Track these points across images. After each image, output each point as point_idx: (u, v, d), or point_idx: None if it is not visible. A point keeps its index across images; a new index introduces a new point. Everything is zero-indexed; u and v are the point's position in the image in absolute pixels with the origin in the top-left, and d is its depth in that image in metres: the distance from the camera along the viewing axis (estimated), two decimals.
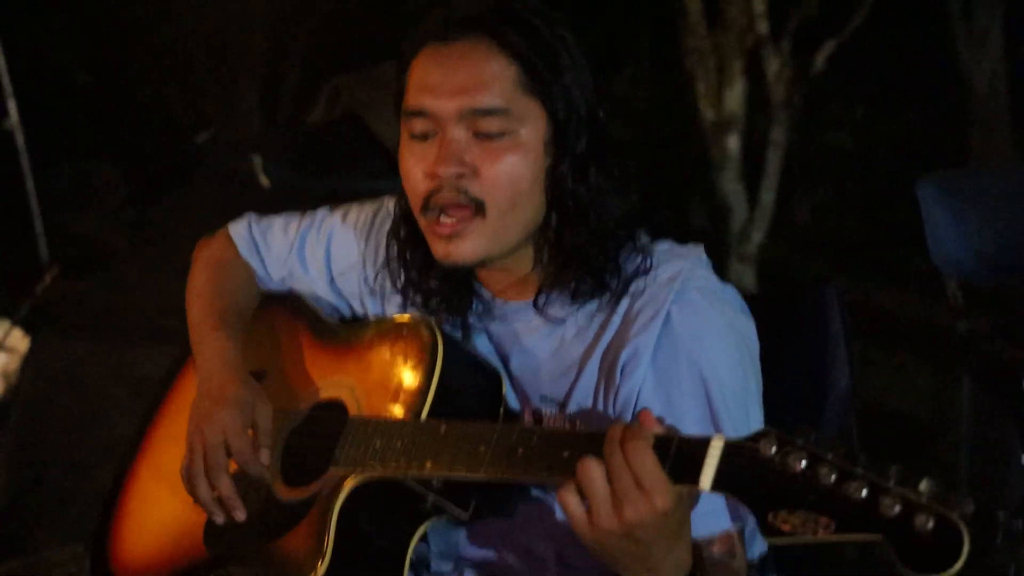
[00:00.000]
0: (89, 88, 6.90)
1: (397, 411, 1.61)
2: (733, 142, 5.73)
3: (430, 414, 1.59)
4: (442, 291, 1.70)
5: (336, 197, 2.03)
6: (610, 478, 1.29)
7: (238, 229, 2.01)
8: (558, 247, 1.61)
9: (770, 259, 5.90)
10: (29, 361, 3.69)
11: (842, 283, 1.88)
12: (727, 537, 1.50)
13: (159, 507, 1.81)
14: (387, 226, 1.79)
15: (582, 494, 1.32)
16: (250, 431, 1.66)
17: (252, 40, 6.85)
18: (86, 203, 5.47)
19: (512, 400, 1.68)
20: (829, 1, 5.74)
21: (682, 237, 1.75)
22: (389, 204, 1.83)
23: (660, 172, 6.57)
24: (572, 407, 1.62)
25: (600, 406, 1.59)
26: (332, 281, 1.91)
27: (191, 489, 1.68)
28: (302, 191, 4.36)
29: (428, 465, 1.52)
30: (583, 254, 1.61)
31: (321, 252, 1.90)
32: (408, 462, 1.53)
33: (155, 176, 5.58)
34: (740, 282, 6.00)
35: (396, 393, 1.63)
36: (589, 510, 1.31)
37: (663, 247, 1.67)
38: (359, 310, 1.88)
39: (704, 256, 1.68)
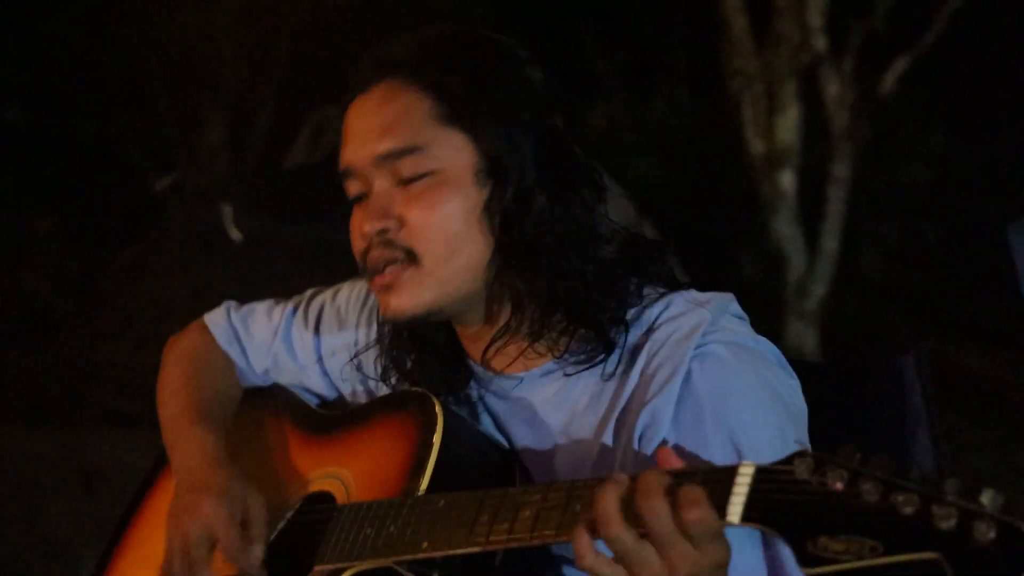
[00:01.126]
0: (21, 124, 6.96)
1: (393, 492, 1.65)
2: (787, 178, 5.77)
3: (429, 489, 1.62)
4: (428, 367, 1.77)
5: (320, 251, 2.06)
6: (646, 530, 1.33)
7: (215, 318, 2.06)
8: (525, 296, 1.66)
9: (834, 317, 5.91)
10: None
11: (923, 346, 1.89)
12: None
13: None
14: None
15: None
16: (239, 525, 1.70)
17: (219, 67, 6.89)
18: (20, 260, 5.52)
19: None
20: (899, 11, 5.77)
21: (727, 290, 1.76)
22: None
23: (700, 215, 6.59)
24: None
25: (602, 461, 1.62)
26: (321, 362, 1.96)
27: None
28: (280, 244, 4.38)
29: (424, 545, 1.55)
30: (556, 301, 1.67)
31: (310, 335, 1.98)
32: (402, 546, 1.57)
33: (105, 229, 5.62)
34: (799, 345, 5.99)
35: (391, 473, 1.69)
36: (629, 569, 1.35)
37: (684, 296, 1.70)
38: (349, 396, 1.94)
39: (734, 305, 1.70)
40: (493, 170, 1.66)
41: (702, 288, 1.74)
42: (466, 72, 1.67)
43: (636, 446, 1.60)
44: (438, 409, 1.68)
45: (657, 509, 1.33)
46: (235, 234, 4.51)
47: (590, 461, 1.66)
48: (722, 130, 6.62)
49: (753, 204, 6.02)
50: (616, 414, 1.65)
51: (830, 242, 5.79)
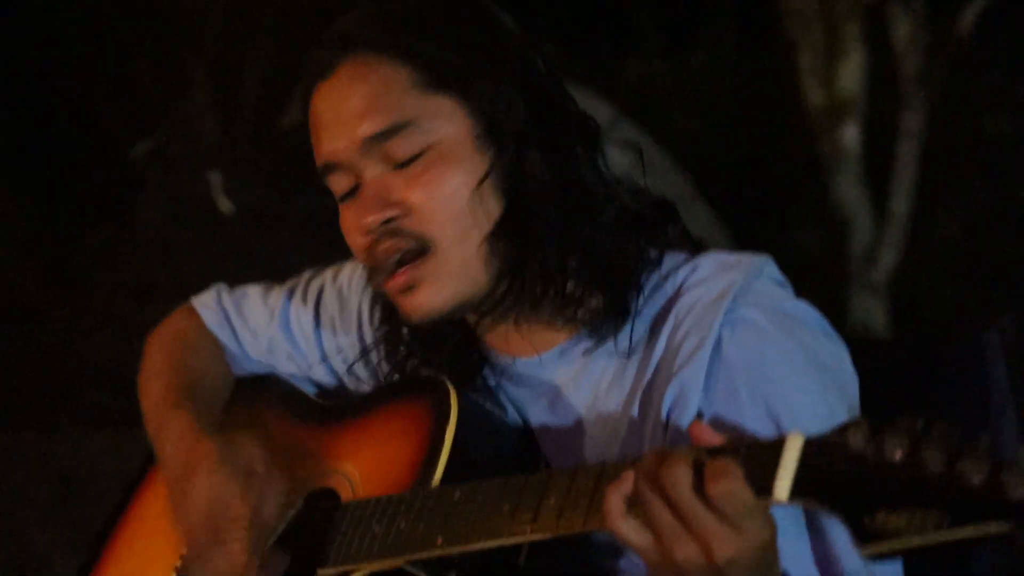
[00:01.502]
0: None
1: (403, 486, 1.68)
2: (851, 133, 5.76)
3: (443, 481, 1.65)
4: (438, 359, 1.79)
5: (321, 223, 2.06)
6: (679, 514, 1.35)
7: (204, 300, 2.10)
8: (535, 268, 1.69)
9: (906, 289, 5.90)
10: None
11: (1007, 321, 1.88)
12: None
13: None
14: None
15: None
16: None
17: (204, 15, 6.91)
18: None
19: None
20: None
21: (783, 261, 1.77)
22: None
23: (750, 177, 6.58)
24: None
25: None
26: (322, 349, 2.00)
27: None
28: (277, 217, 4.39)
29: (439, 542, 1.57)
30: (567, 271, 1.69)
31: (309, 318, 2.01)
32: (414, 544, 1.59)
33: (79, 203, 5.64)
34: (866, 321, 5.98)
35: (401, 465, 1.70)
36: (663, 555, 1.38)
37: (712, 257, 1.72)
38: (353, 384, 1.97)
39: (770, 267, 1.73)
40: (491, 133, 1.69)
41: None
42: (440, 33, 1.70)
43: (665, 422, 1.63)
44: (452, 394, 1.70)
45: (678, 481, 1.35)
46: (225, 205, 4.53)
47: (617, 443, 1.69)
48: (775, 80, 6.60)
49: (812, 163, 6.01)
50: (642, 390, 1.68)
51: (900, 205, 5.78)
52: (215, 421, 1.92)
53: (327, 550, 1.70)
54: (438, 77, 1.69)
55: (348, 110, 1.70)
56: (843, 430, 1.29)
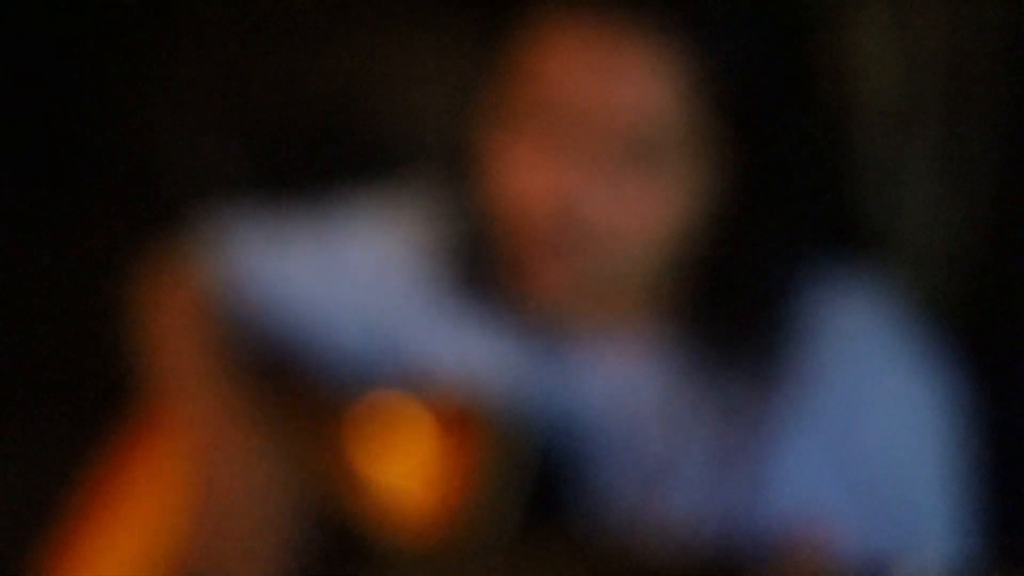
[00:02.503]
0: None
1: (431, 528, 1.63)
2: None
3: (486, 531, 1.59)
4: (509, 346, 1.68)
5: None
6: None
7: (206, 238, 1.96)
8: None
9: None
10: None
11: None
12: None
13: None
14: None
15: None
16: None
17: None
18: None
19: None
20: None
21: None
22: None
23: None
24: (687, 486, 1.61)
25: (727, 493, 1.59)
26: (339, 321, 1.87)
27: None
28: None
29: None
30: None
31: (326, 286, 1.87)
32: None
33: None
34: None
35: (436, 504, 1.64)
36: None
37: (826, 281, 1.66)
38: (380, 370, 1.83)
39: (870, 278, 1.69)
40: None
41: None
42: None
43: (751, 449, 1.63)
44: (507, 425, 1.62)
45: None
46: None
47: (682, 441, 1.63)
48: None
49: None
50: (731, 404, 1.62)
51: None
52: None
53: None
54: None
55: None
56: None
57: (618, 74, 1.55)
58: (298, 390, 1.89)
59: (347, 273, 1.89)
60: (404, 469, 1.70)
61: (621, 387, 1.69)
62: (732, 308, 1.62)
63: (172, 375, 1.90)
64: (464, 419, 1.67)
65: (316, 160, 2.87)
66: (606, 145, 1.54)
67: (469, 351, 1.71)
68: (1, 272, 2.82)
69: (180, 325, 1.94)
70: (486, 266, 1.66)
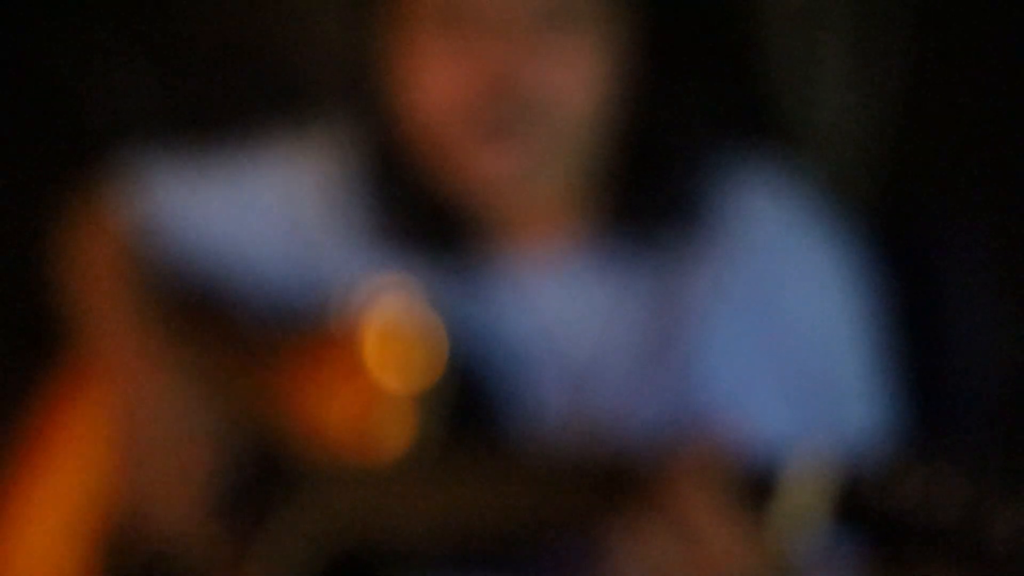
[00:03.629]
0: None
1: (357, 451, 1.63)
2: None
3: (412, 448, 1.60)
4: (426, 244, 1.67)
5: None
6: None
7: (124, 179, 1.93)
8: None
9: None
10: None
11: None
12: None
13: None
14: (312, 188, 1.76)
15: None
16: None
17: None
18: None
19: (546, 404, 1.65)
20: None
21: None
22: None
23: None
24: (627, 394, 1.62)
25: (658, 386, 1.60)
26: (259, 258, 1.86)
27: None
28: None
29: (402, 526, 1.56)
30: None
31: (242, 212, 1.85)
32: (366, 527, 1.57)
33: None
34: None
35: (357, 424, 1.65)
36: None
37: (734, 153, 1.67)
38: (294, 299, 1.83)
39: (784, 166, 1.71)
40: None
41: None
42: None
43: (678, 339, 1.63)
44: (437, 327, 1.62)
45: None
46: None
47: (628, 360, 1.64)
48: None
49: None
50: (660, 299, 1.65)
51: None
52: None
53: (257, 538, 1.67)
54: None
55: None
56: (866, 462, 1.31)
57: None
58: (221, 324, 1.88)
59: (260, 208, 1.88)
60: (328, 394, 1.70)
61: (547, 295, 1.69)
62: (652, 199, 1.62)
63: (96, 315, 1.90)
64: (386, 340, 1.67)
65: (229, 97, 2.87)
66: (520, 14, 1.54)
67: (388, 274, 1.70)
68: None
69: (102, 265, 1.93)
70: (406, 183, 1.66)
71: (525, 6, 1.54)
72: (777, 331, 1.61)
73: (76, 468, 1.88)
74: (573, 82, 1.57)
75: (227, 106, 2.67)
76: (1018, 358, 1.79)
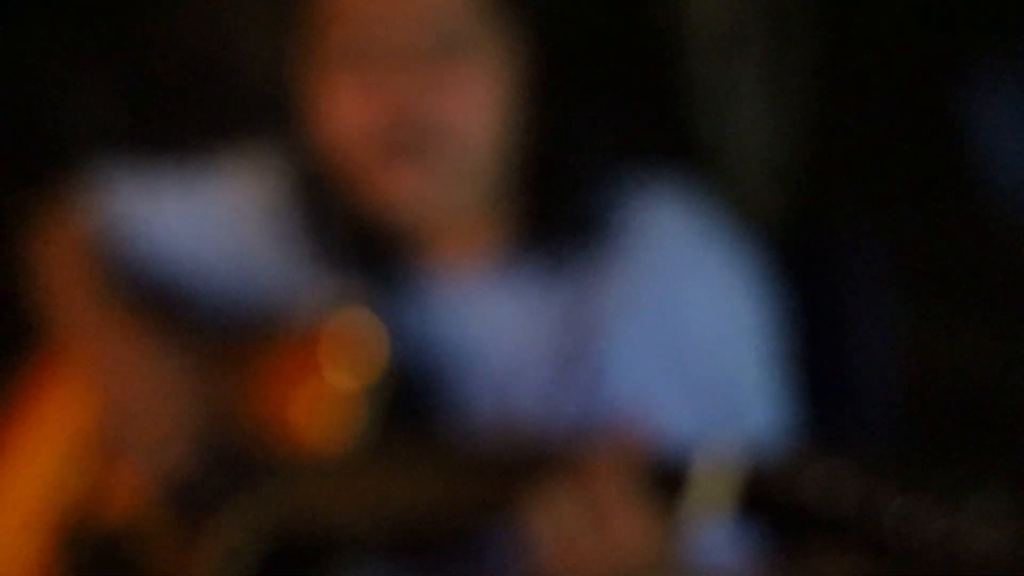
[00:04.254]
0: None
1: (302, 447, 1.66)
2: None
3: (353, 444, 1.62)
4: (357, 264, 1.72)
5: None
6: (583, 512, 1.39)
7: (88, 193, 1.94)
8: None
9: None
10: None
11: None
12: None
13: None
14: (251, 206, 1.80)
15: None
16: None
17: None
18: None
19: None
20: None
21: None
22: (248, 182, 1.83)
23: None
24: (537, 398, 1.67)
25: (572, 390, 1.65)
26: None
27: None
28: None
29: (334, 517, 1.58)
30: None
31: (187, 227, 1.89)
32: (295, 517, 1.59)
33: None
34: None
35: (302, 421, 1.68)
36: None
37: (638, 175, 1.70)
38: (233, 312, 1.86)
39: (690, 184, 1.73)
40: None
41: None
42: None
43: (586, 350, 1.64)
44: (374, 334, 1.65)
45: None
46: None
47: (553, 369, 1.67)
48: None
49: None
50: (569, 311, 1.67)
51: None
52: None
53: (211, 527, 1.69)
54: None
55: None
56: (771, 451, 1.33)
57: None
58: (177, 325, 1.90)
59: (211, 221, 1.89)
60: (275, 394, 1.73)
61: (469, 306, 1.72)
62: (559, 217, 1.66)
63: (63, 308, 1.90)
64: (329, 344, 1.70)
65: (187, 113, 2.89)
66: (416, 48, 1.59)
67: (325, 284, 1.73)
68: None
69: (68, 266, 1.94)
70: (332, 202, 1.70)
71: (422, 40, 1.59)
72: (680, 339, 1.63)
73: (36, 460, 1.88)
74: (469, 107, 1.61)
75: (182, 125, 2.70)
76: (906, 363, 1.84)
